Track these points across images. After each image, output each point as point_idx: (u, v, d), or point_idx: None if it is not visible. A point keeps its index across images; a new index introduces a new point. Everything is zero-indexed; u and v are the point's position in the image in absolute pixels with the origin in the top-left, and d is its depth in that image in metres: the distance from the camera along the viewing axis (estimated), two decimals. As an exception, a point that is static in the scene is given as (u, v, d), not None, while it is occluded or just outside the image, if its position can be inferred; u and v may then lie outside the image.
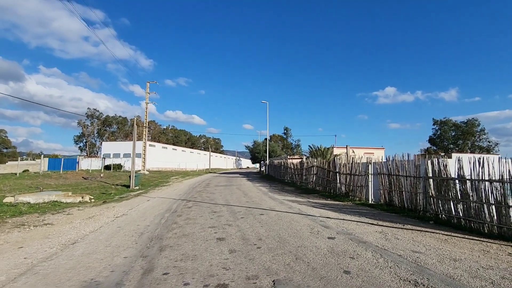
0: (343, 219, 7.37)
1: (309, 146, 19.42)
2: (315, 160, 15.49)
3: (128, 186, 20.12)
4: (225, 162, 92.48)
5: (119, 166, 42.30)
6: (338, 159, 12.38)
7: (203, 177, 32.28)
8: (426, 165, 7.58)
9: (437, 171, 7.20)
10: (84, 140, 63.64)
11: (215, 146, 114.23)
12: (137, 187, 19.87)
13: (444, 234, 5.79)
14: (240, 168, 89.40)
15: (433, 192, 7.33)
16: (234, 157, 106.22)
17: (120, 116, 70.58)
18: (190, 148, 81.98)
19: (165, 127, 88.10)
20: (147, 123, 36.09)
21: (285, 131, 66.75)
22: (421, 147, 57.03)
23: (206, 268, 4.06)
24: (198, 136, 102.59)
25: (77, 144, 64.78)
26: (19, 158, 49.68)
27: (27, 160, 59.42)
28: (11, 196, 11.96)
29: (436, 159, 7.37)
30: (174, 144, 79.22)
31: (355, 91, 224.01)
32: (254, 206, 9.86)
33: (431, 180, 7.39)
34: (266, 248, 4.95)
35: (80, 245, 5.44)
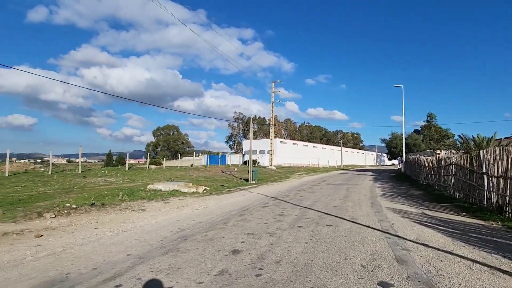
0: (455, 255, 4.42)
1: (459, 136, 13.80)
2: (454, 156, 10.80)
3: (248, 180, 21.70)
4: (363, 158, 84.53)
5: (254, 162, 47.05)
6: (486, 153, 7.96)
7: (327, 174, 30.49)
8: None
9: None
10: (233, 140, 75.67)
11: (353, 141, 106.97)
12: (253, 182, 21.06)
13: None
14: (382, 165, 79.11)
15: None
16: (375, 153, 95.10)
17: (259, 117, 78.84)
18: (324, 144, 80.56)
19: (299, 124, 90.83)
20: (272, 121, 38.05)
21: (429, 119, 50.46)
22: None
23: (163, 289, 3.22)
24: (334, 132, 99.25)
25: (227, 143, 77.93)
26: (194, 154, 65.11)
27: (197, 156, 77.35)
28: (151, 184, 15.37)
29: None
30: (308, 141, 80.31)
31: None
32: (335, 213, 7.85)
33: None
34: (267, 277, 3.49)
35: (130, 233, 5.87)
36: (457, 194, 10.30)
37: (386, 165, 75.77)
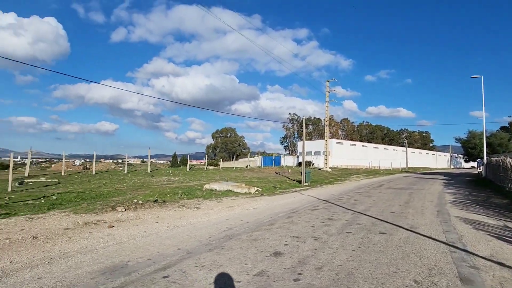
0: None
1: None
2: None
3: (301, 182, 21.40)
4: (433, 160, 75.25)
5: (309, 163, 46.02)
6: None
7: (388, 177, 28.09)
8: None
9: None
10: (287, 141, 75.33)
11: (421, 141, 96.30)
12: (306, 184, 20.66)
13: None
14: (458, 168, 69.28)
15: None
16: (449, 154, 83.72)
17: (314, 117, 76.89)
18: (386, 144, 74.40)
19: (358, 124, 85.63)
20: (327, 121, 36.72)
21: None
22: None
23: None
24: (398, 131, 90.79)
25: (282, 144, 77.89)
26: (248, 155, 67.20)
27: (252, 157, 79.32)
28: (207, 184, 16.34)
29: None
30: (368, 141, 75.18)
31: None
32: (391, 220, 7.19)
33: None
34: (305, 283, 3.40)
35: (184, 229, 6.37)
36: (556, 205, 8.40)
37: (463, 168, 65.97)
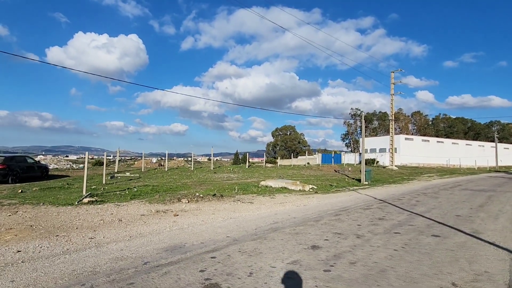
0: None
1: None
2: None
3: (360, 181, 20.48)
4: (538, 157, 61.73)
5: (373, 161, 43.05)
6: None
7: (468, 178, 24.56)
8: None
9: None
10: (349, 138, 71.57)
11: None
12: (366, 183, 19.68)
13: None
14: None
15: None
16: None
17: (380, 112, 71.23)
18: (470, 140, 64.26)
19: (434, 117, 75.98)
20: (393, 115, 33.81)
21: None
22: None
23: None
24: (486, 124, 77.45)
25: (343, 141, 74.35)
26: (306, 153, 66.45)
27: (312, 155, 77.83)
28: (263, 181, 17.05)
29: None
30: (446, 136, 66.24)
31: None
32: (452, 224, 6.60)
33: None
34: (334, 274, 3.62)
35: (235, 220, 7.08)
36: None
37: None
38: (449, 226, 6.30)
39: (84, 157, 11.78)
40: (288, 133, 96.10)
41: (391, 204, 9.72)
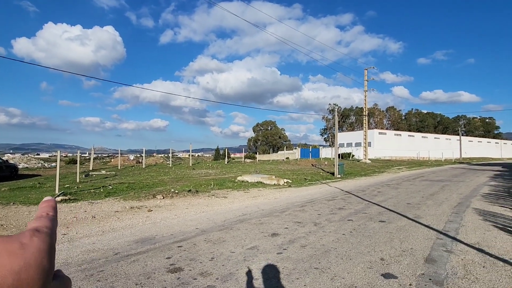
0: (511, 264, 3.89)
1: None
2: None
3: (334, 174, 21.49)
4: (497, 149, 66.86)
5: (348, 155, 44.82)
6: None
7: (433, 169, 26.41)
8: None
9: None
10: (327, 132, 73.65)
11: (484, 129, 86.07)
12: (339, 176, 20.70)
13: None
14: (529, 158, 60.64)
15: None
16: (518, 142, 73.36)
17: (357, 107, 73.64)
18: (440, 133, 68.25)
19: (406, 112, 79.67)
20: (366, 111, 35.35)
21: None
22: None
23: (207, 252, 4.42)
24: (454, 118, 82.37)
25: (322, 136, 76.41)
26: (285, 148, 67.71)
27: (292, 150, 79.44)
28: (240, 176, 17.54)
29: None
30: (418, 130, 69.88)
31: None
32: (400, 211, 7.42)
33: None
34: (285, 256, 4.17)
35: (206, 214, 7.52)
36: None
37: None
38: (397, 213, 7.10)
39: (57, 155, 11.67)
40: (269, 128, 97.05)
41: (354, 195, 10.54)
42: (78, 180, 14.07)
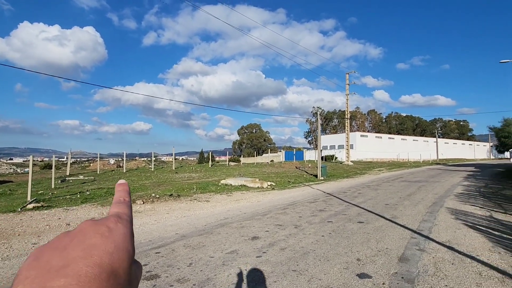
0: (477, 260, 4.07)
1: None
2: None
3: (317, 176, 21.79)
4: (471, 150, 70.34)
5: (332, 157, 45.63)
6: None
7: (412, 170, 27.35)
8: None
9: None
10: (311, 135, 74.73)
11: (458, 131, 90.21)
12: (322, 178, 21.02)
13: None
14: (499, 159, 64.15)
15: None
16: (488, 144, 77.51)
17: (339, 110, 75.24)
18: (418, 135, 70.89)
19: (387, 115, 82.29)
20: (348, 114, 36.19)
21: None
22: None
23: (186, 258, 4.35)
24: (431, 121, 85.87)
25: (306, 138, 77.45)
26: (269, 151, 68.09)
27: (276, 152, 79.93)
28: (224, 179, 17.44)
29: None
30: (398, 133, 72.24)
31: None
32: (379, 211, 7.62)
33: None
34: (264, 259, 4.18)
35: (187, 218, 7.40)
36: (562, 196, 8.20)
37: (506, 159, 60.87)
38: (375, 214, 7.29)
39: (30, 160, 11.13)
40: (254, 131, 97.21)
41: (335, 197, 10.73)
42: (53, 186, 13.48)
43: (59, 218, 7.25)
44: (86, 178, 18.30)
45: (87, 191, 12.01)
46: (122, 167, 25.71)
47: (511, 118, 28.94)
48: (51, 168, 17.78)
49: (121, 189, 0.44)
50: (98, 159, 24.63)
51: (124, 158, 24.63)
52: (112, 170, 24.74)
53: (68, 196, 10.63)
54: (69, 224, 6.67)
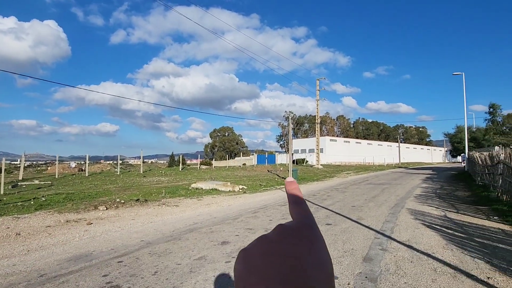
0: (433, 257, 4.36)
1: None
2: (502, 153, 9.53)
3: (288, 180, 22.10)
4: (429, 155, 76.03)
5: (302, 161, 46.74)
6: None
7: (376, 173, 28.81)
8: None
9: None
10: (283, 139, 76.01)
11: (418, 137, 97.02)
12: (293, 181, 21.36)
13: None
14: (453, 163, 69.97)
15: None
16: (444, 149, 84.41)
17: (310, 115, 77.47)
18: (383, 140, 75.07)
19: (354, 121, 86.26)
20: (318, 119, 37.35)
21: (492, 110, 42.22)
22: None
23: (150, 266, 4.14)
24: (394, 127, 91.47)
25: (278, 142, 78.61)
26: (241, 154, 67.96)
27: (249, 156, 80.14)
28: (194, 183, 17.06)
29: None
30: (364, 138, 75.88)
31: None
32: (346, 213, 7.90)
33: None
34: (232, 264, 4.11)
35: (154, 224, 7.08)
36: (504, 197, 9.11)
37: (458, 162, 66.72)
38: (342, 215, 7.54)
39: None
40: (227, 134, 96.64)
41: (305, 200, 10.93)
42: (2, 192, 12.25)
43: (8, 228, 6.58)
44: (42, 183, 16.90)
45: (43, 197, 11.06)
46: (85, 170, 24.13)
47: (463, 126, 31.84)
48: (1, 172, 16.21)
49: (293, 188, 0.40)
50: (57, 162, 22.88)
51: (87, 161, 23.15)
52: (73, 174, 23.11)
53: (20, 203, 9.70)
54: (19, 234, 6.07)
